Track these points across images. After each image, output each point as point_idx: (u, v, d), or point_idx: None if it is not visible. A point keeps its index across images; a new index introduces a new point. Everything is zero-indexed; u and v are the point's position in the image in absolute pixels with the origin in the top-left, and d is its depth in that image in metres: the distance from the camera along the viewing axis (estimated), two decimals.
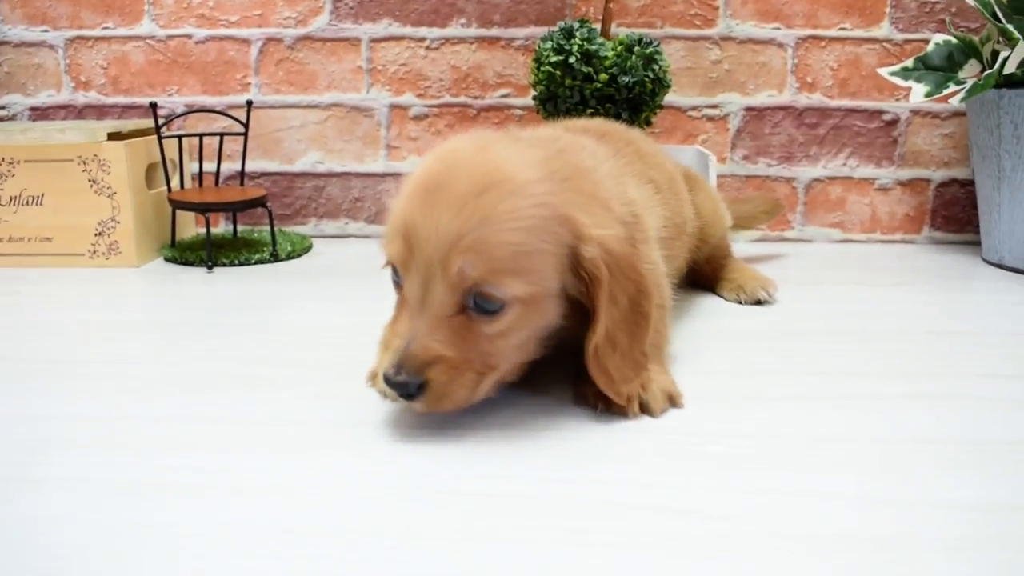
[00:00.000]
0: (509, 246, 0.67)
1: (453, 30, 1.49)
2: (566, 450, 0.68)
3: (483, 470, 0.64)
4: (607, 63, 1.21)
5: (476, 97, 1.51)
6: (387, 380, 0.67)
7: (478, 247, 0.66)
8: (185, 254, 1.34)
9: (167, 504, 0.59)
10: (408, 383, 0.66)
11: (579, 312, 0.73)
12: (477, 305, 0.68)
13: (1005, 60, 1.25)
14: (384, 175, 1.55)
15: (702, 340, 0.96)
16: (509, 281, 0.67)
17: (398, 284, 0.72)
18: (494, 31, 1.49)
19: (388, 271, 0.74)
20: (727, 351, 0.93)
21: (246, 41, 1.51)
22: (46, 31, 1.52)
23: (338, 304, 1.12)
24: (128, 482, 0.62)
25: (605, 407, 0.74)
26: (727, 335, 0.99)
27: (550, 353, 0.76)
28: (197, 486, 0.61)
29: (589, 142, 0.87)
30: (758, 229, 1.53)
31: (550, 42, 1.24)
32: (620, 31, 1.41)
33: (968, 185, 1.53)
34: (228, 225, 1.53)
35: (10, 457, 0.66)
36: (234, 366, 0.88)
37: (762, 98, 1.50)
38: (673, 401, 0.76)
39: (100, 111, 1.55)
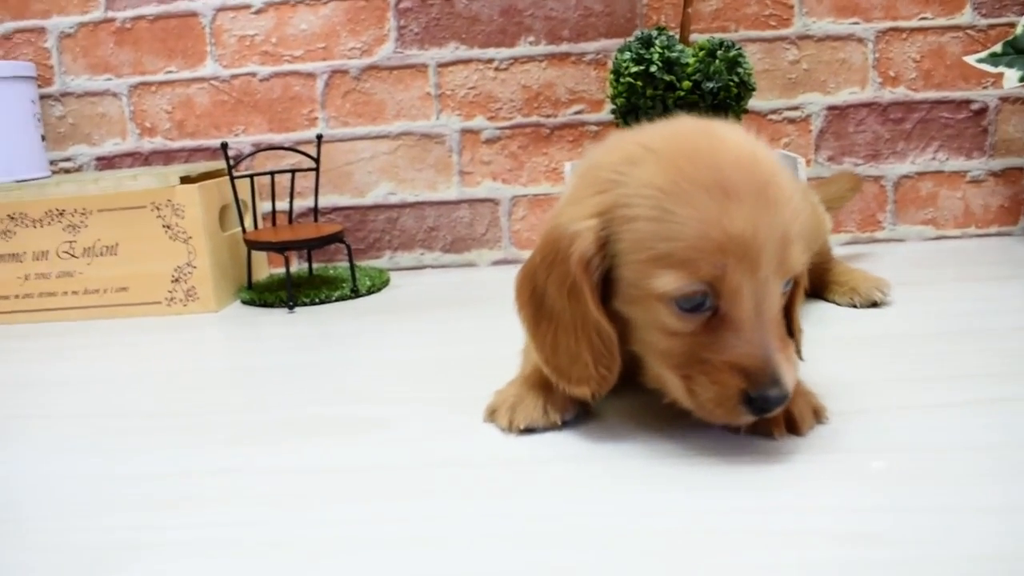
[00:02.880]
0: (807, 222, 0.65)
1: (521, 49, 1.45)
2: (718, 479, 0.62)
3: (631, 505, 0.59)
4: (689, 70, 1.16)
5: (549, 116, 1.47)
6: (768, 400, 0.62)
7: (801, 234, 0.64)
8: (263, 295, 1.31)
9: (312, 561, 0.54)
10: (789, 392, 0.63)
11: None
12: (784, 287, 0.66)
13: None
14: (458, 202, 1.51)
15: (823, 350, 0.91)
16: (805, 254, 0.66)
17: (697, 311, 0.63)
18: (564, 47, 1.45)
19: (649, 304, 0.65)
20: (851, 359, 0.88)
21: (311, 75, 1.49)
22: (109, 79, 1.51)
23: (425, 337, 1.08)
24: (260, 543, 0.58)
25: (749, 429, 0.68)
26: (846, 343, 0.94)
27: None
28: (338, 540, 0.57)
29: None
30: (846, 231, 1.47)
31: (628, 52, 1.19)
32: (696, 37, 1.37)
33: None
34: (303, 263, 1.50)
35: (120, 520, 0.62)
36: (337, 409, 0.83)
37: (844, 96, 1.45)
38: (819, 416, 0.71)
39: (167, 156, 1.53)
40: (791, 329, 0.73)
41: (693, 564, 0.51)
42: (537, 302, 0.70)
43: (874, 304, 1.07)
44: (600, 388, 0.69)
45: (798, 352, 0.75)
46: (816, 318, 1.04)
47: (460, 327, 1.11)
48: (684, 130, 0.67)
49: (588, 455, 0.68)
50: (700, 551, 0.52)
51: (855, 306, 1.08)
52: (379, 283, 1.37)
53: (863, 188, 1.45)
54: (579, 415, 0.75)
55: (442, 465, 0.68)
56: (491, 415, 0.75)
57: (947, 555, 0.50)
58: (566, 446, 0.70)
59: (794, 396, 0.69)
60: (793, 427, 0.68)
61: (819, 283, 1.12)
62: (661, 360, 0.67)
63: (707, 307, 0.63)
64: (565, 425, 0.73)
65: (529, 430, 0.72)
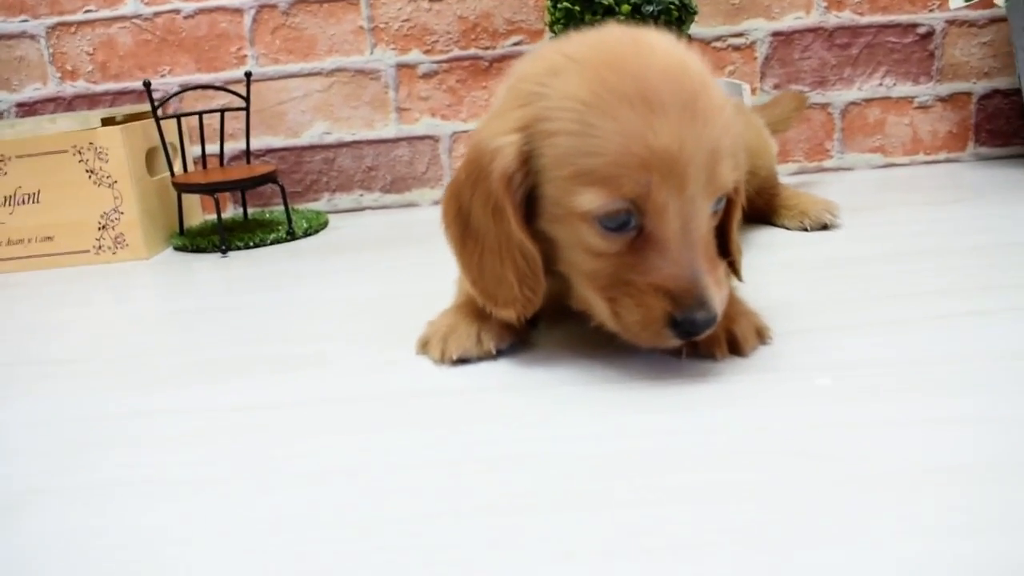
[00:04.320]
0: (738, 138, 0.62)
1: None
2: (661, 400, 0.60)
3: (573, 430, 0.56)
4: None
5: (487, 48, 1.42)
6: (694, 323, 0.59)
7: (732, 150, 0.60)
8: (196, 241, 1.26)
9: (256, 495, 0.51)
10: (717, 314, 0.60)
11: None
12: (714, 205, 0.62)
13: None
14: (397, 140, 1.46)
15: (771, 273, 0.89)
16: (738, 170, 0.63)
17: (621, 231, 0.60)
18: None
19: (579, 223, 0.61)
20: (798, 281, 0.86)
21: (238, 11, 1.42)
22: (26, 20, 1.43)
23: (363, 276, 1.04)
24: (183, 481, 0.54)
25: (691, 351, 0.66)
26: (795, 266, 0.92)
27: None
28: (280, 474, 0.54)
29: None
30: (794, 161, 1.45)
31: None
32: None
33: (1012, 95, 1.44)
34: (237, 208, 1.45)
35: (39, 465, 0.58)
36: (269, 348, 0.80)
37: (789, 21, 1.41)
38: (762, 336, 0.68)
39: (91, 100, 1.46)
40: (728, 249, 0.71)
41: (640, 485, 0.48)
42: (463, 221, 0.66)
43: (824, 227, 1.06)
44: (526, 310, 0.66)
45: (737, 273, 0.73)
46: (765, 242, 1.02)
47: (400, 266, 1.08)
48: (610, 39, 0.63)
49: (525, 383, 0.65)
50: (645, 472, 0.50)
51: (805, 229, 1.06)
52: (316, 225, 1.33)
53: (810, 116, 1.43)
54: (514, 344, 0.72)
55: (379, 398, 0.65)
56: (423, 347, 0.72)
57: (896, 469, 0.48)
58: (503, 375, 0.67)
59: (737, 316, 0.67)
60: (736, 348, 0.66)
61: (768, 208, 1.10)
62: (586, 282, 0.64)
63: (632, 226, 0.60)
64: (500, 354, 0.70)
65: (463, 360, 0.69)
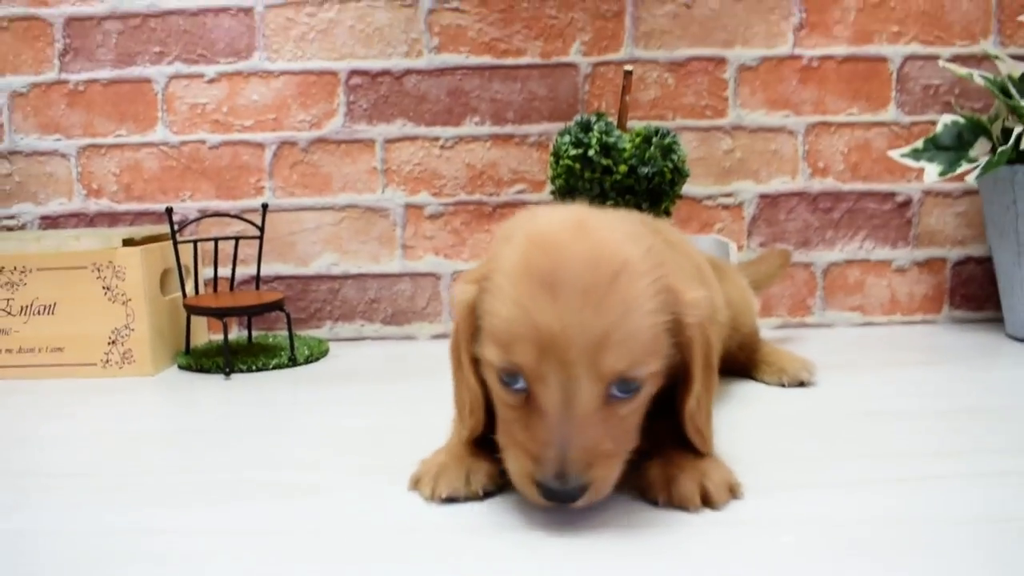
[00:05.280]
0: (648, 330, 0.66)
1: (467, 128, 1.50)
2: (636, 547, 0.64)
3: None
4: (626, 155, 1.20)
5: (491, 194, 1.51)
6: (550, 490, 0.65)
7: (626, 340, 0.65)
8: (200, 361, 1.31)
9: None
10: (577, 488, 0.65)
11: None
12: (617, 390, 0.67)
13: (1020, 136, 1.26)
14: (400, 275, 1.53)
15: (747, 428, 0.94)
16: (649, 361, 0.67)
17: (515, 388, 0.67)
18: (508, 128, 1.50)
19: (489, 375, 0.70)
20: (771, 437, 0.91)
21: (260, 145, 1.51)
22: (59, 140, 1.52)
23: (361, 408, 1.09)
24: None
25: (667, 500, 0.71)
26: (769, 421, 0.97)
27: None
28: None
29: None
30: (777, 316, 1.52)
31: (568, 136, 1.23)
32: (634, 124, 1.42)
33: (984, 262, 1.52)
34: (242, 330, 1.51)
35: None
36: (265, 473, 0.84)
37: (776, 185, 1.51)
38: (734, 492, 0.73)
39: (112, 218, 1.54)
40: (685, 430, 0.74)
41: None
42: (459, 349, 0.75)
43: (801, 384, 1.11)
44: (472, 433, 0.75)
45: (705, 450, 0.75)
46: (744, 395, 1.07)
47: (397, 398, 1.12)
48: (560, 217, 0.69)
49: (509, 525, 0.69)
50: None
51: (783, 385, 1.11)
52: (318, 352, 1.38)
53: (794, 274, 1.51)
54: (502, 486, 0.76)
55: (370, 531, 0.69)
56: (415, 484, 0.77)
57: None
58: (488, 515, 0.71)
59: (710, 472, 0.72)
60: (708, 502, 0.71)
61: (748, 362, 1.16)
62: (498, 424, 0.72)
63: (522, 387, 0.67)
64: (488, 495, 0.74)
65: (451, 499, 0.73)
